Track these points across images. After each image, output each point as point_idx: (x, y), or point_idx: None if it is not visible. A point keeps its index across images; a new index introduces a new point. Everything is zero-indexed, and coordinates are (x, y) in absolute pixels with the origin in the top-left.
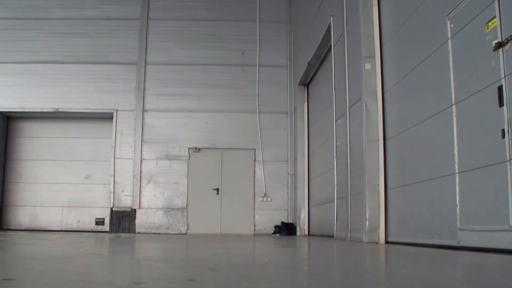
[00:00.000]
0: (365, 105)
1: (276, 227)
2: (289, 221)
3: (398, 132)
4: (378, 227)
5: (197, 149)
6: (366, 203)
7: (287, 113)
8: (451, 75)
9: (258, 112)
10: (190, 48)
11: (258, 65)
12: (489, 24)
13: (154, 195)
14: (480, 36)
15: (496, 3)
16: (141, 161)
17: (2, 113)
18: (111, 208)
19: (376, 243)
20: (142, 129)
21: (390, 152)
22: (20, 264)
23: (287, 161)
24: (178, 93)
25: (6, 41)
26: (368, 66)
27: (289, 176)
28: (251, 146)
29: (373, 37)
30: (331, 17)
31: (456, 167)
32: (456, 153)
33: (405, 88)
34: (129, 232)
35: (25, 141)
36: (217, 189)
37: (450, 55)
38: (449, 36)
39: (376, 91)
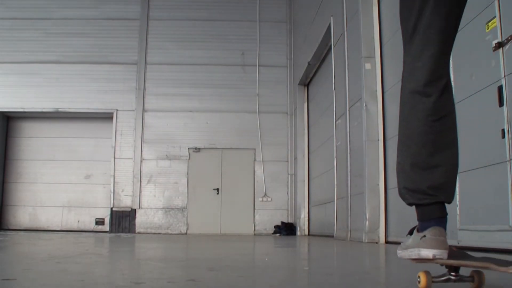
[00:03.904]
0: (365, 105)
1: (276, 227)
2: (289, 221)
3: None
4: (378, 227)
5: (197, 149)
6: (366, 203)
7: (287, 113)
8: (451, 75)
9: (258, 112)
10: (190, 48)
11: (258, 65)
12: (489, 24)
13: (154, 195)
14: (480, 36)
15: (496, 3)
16: (141, 161)
17: (2, 113)
18: (111, 208)
19: (376, 243)
20: (142, 129)
21: (390, 152)
22: (20, 264)
23: (287, 161)
24: (178, 93)
25: (6, 41)
26: (368, 66)
27: (289, 176)
28: (251, 146)
29: (373, 37)
30: (331, 17)
31: None
32: None
33: None
34: (129, 232)
35: (25, 141)
36: (217, 189)
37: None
38: None
39: (376, 91)
